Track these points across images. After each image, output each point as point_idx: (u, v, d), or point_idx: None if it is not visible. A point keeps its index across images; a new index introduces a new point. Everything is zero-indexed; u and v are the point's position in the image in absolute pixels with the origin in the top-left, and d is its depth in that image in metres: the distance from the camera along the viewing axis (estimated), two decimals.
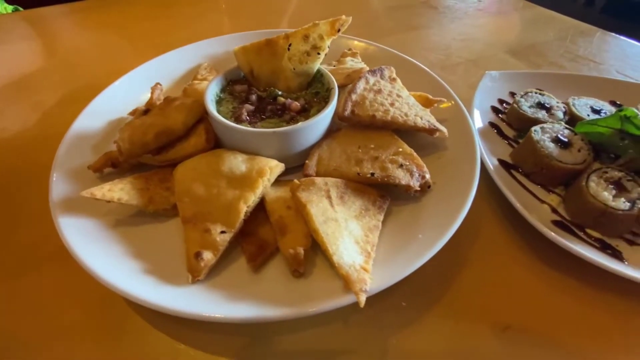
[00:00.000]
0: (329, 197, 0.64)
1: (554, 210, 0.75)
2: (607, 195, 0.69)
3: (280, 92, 0.80)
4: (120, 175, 0.74)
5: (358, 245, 0.58)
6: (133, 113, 0.86)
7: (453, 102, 0.89)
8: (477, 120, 0.95)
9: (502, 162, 0.85)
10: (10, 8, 1.94)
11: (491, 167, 0.80)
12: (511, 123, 0.96)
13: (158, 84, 0.90)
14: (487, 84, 1.06)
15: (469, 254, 0.73)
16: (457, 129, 0.82)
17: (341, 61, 1.04)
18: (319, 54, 0.81)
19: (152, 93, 0.87)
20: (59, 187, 0.68)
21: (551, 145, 0.80)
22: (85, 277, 0.56)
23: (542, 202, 0.77)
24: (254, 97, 0.79)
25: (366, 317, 0.62)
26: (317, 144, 0.75)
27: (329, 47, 0.82)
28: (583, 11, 5.36)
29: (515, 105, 0.95)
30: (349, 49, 1.10)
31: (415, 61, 1.03)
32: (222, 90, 0.82)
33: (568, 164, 0.77)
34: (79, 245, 0.57)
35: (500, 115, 1.00)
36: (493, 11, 1.73)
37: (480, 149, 0.83)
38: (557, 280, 0.69)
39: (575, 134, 0.83)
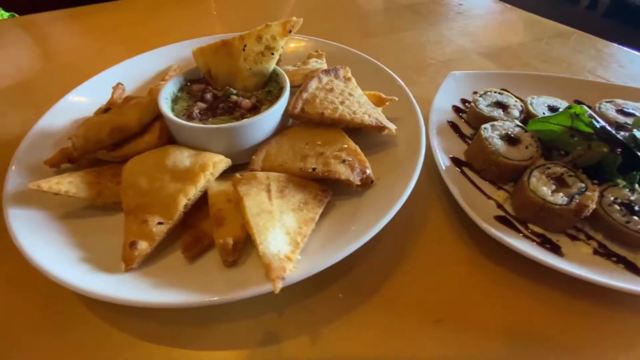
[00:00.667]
0: (268, 191, 0.66)
1: (499, 206, 0.76)
2: (546, 190, 0.70)
3: (235, 91, 0.83)
4: (77, 170, 0.77)
5: (289, 236, 0.59)
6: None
7: (407, 102, 0.90)
8: (437, 119, 0.96)
9: (454, 159, 0.86)
10: (6, 15, 2.01)
11: (442, 164, 0.82)
12: (470, 122, 0.98)
13: (119, 84, 0.93)
14: (450, 84, 1.07)
15: (414, 247, 0.74)
16: (409, 127, 0.84)
17: (306, 62, 1.06)
18: (272, 54, 0.83)
19: (113, 93, 0.90)
20: (14, 180, 0.71)
21: (499, 142, 0.81)
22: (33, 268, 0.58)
23: (489, 198, 0.78)
24: (208, 95, 0.81)
25: (301, 308, 0.64)
26: (266, 141, 0.77)
27: (282, 47, 0.84)
28: (585, 15, 5.34)
29: (473, 104, 0.96)
30: (316, 51, 1.12)
31: (376, 61, 1.05)
32: (181, 89, 0.85)
33: (514, 160, 0.78)
34: (22, 234, 0.60)
35: (461, 114, 1.01)
36: (472, 14, 1.74)
37: (434, 147, 0.85)
38: (497, 275, 0.69)
39: (526, 132, 0.84)
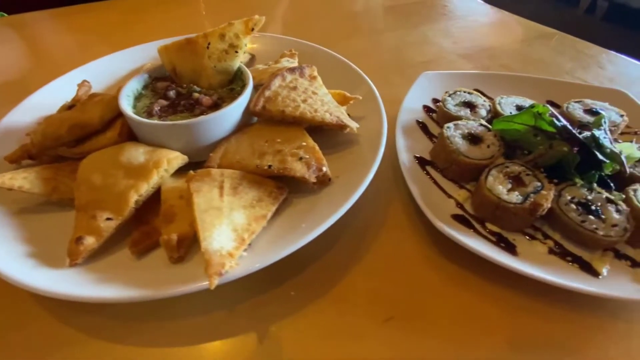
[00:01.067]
0: (221, 188, 0.66)
1: (459, 205, 0.75)
2: (501, 189, 0.69)
3: (198, 89, 0.83)
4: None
5: (235, 233, 0.59)
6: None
7: (373, 101, 0.90)
8: (405, 118, 0.96)
9: (419, 158, 0.86)
10: None
11: (405, 162, 0.81)
12: (439, 121, 0.97)
13: (85, 81, 0.94)
14: (422, 84, 1.07)
15: (371, 246, 0.73)
16: (372, 126, 0.84)
17: (278, 61, 1.06)
18: (236, 52, 0.83)
19: (78, 90, 0.91)
20: None
21: (460, 141, 0.81)
22: None
23: (450, 196, 0.77)
24: (171, 93, 0.81)
25: (253, 305, 0.64)
26: (226, 138, 0.77)
27: (246, 45, 0.84)
28: (584, 19, 5.34)
29: (441, 103, 0.96)
30: (290, 50, 1.12)
31: (347, 61, 1.04)
32: (145, 87, 0.85)
33: (474, 159, 0.78)
34: None
35: (431, 114, 1.01)
36: (456, 16, 1.74)
37: (398, 145, 0.86)
38: (453, 273, 0.69)
39: (489, 131, 0.84)
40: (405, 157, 0.84)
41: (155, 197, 0.68)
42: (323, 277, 0.68)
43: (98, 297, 0.53)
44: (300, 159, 0.71)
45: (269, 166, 0.70)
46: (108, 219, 0.61)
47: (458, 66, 1.34)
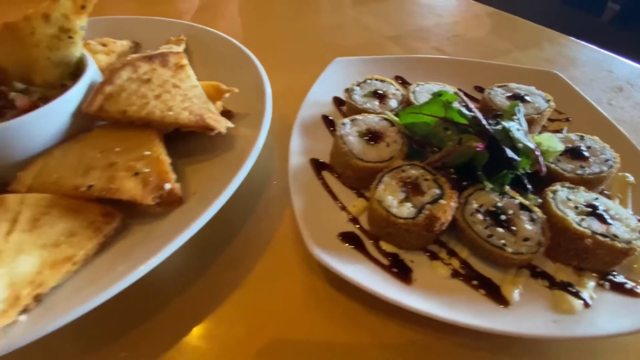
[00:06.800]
0: (14, 221, 0.48)
1: (353, 219, 0.61)
2: (391, 200, 0.56)
3: (22, 86, 0.64)
4: None
5: (10, 289, 0.42)
6: None
7: (261, 93, 0.74)
8: (309, 113, 0.81)
9: (316, 162, 0.71)
10: None
11: (294, 168, 0.67)
12: (348, 116, 0.83)
13: None
14: (335, 72, 0.92)
15: (249, 275, 0.59)
16: (255, 125, 0.68)
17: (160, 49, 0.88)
18: (70, 37, 0.65)
19: None
20: None
21: (356, 140, 0.67)
22: None
23: (343, 209, 0.63)
24: None
25: None
26: (48, 150, 0.59)
27: (84, 29, 0.66)
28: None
29: (347, 94, 0.82)
30: (180, 36, 0.95)
31: (241, 47, 0.87)
32: None
33: (370, 162, 0.64)
34: None
35: (342, 107, 0.86)
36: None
37: (291, 147, 0.71)
38: (342, 307, 0.55)
39: (392, 126, 0.70)
40: (296, 161, 0.69)
41: None
42: (175, 326, 0.52)
43: None
44: (136, 174, 0.54)
45: (90, 187, 0.53)
46: None
47: (385, 50, 1.19)
